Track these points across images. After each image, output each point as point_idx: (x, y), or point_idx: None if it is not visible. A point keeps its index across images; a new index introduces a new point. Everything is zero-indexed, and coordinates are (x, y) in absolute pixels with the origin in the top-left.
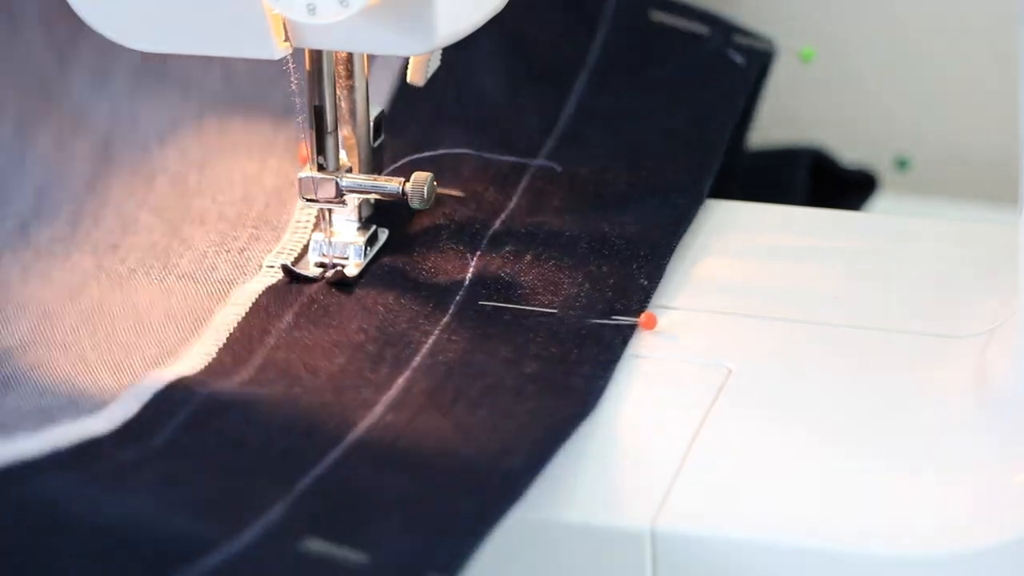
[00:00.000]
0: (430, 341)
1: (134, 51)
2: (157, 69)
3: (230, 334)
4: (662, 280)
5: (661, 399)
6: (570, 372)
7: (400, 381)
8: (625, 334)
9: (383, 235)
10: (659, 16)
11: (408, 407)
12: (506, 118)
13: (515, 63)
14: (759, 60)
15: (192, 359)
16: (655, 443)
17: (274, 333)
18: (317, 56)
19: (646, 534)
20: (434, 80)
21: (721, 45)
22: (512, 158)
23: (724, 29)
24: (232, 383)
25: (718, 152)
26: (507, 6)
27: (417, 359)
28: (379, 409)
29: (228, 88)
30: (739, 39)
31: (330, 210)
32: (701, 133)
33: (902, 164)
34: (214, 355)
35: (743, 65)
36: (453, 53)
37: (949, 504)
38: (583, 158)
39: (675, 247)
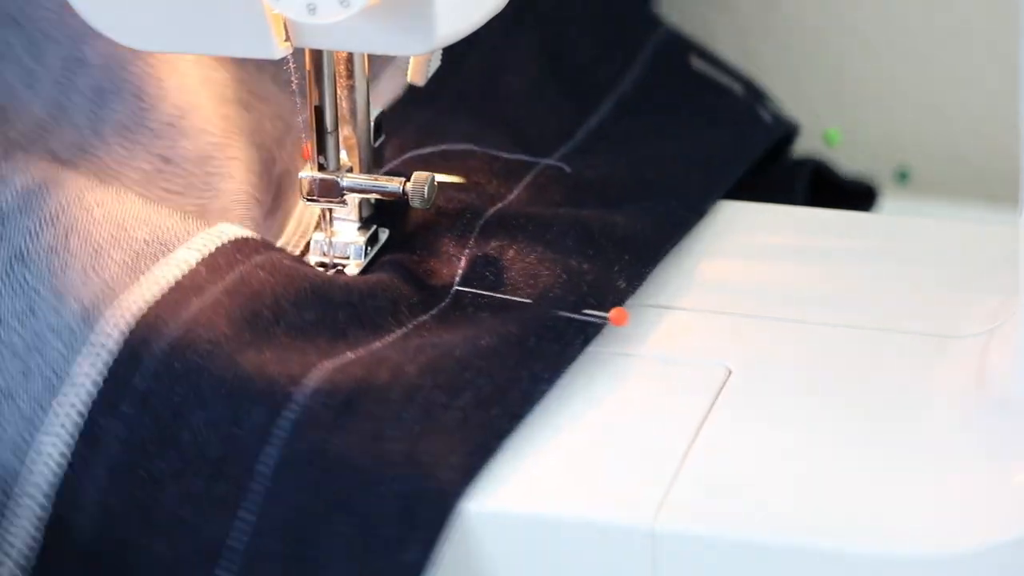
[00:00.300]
0: (399, 333)
1: None
2: None
3: (219, 245)
4: (662, 280)
5: (661, 399)
6: (519, 364)
7: (349, 355)
8: (588, 334)
9: (383, 235)
10: (698, 63)
11: (342, 387)
12: (523, 120)
13: (546, 72)
14: (784, 126)
15: (174, 265)
16: (655, 443)
17: (263, 254)
18: (317, 56)
19: (646, 534)
20: (460, 68)
21: (751, 105)
22: (519, 156)
23: (756, 93)
24: (192, 309)
25: (727, 180)
26: (553, 15)
27: (377, 344)
28: (311, 382)
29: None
30: (770, 105)
31: (330, 210)
32: (714, 163)
33: (902, 176)
34: (193, 266)
35: (770, 123)
36: (487, 47)
37: (949, 504)
38: (592, 164)
39: (660, 258)
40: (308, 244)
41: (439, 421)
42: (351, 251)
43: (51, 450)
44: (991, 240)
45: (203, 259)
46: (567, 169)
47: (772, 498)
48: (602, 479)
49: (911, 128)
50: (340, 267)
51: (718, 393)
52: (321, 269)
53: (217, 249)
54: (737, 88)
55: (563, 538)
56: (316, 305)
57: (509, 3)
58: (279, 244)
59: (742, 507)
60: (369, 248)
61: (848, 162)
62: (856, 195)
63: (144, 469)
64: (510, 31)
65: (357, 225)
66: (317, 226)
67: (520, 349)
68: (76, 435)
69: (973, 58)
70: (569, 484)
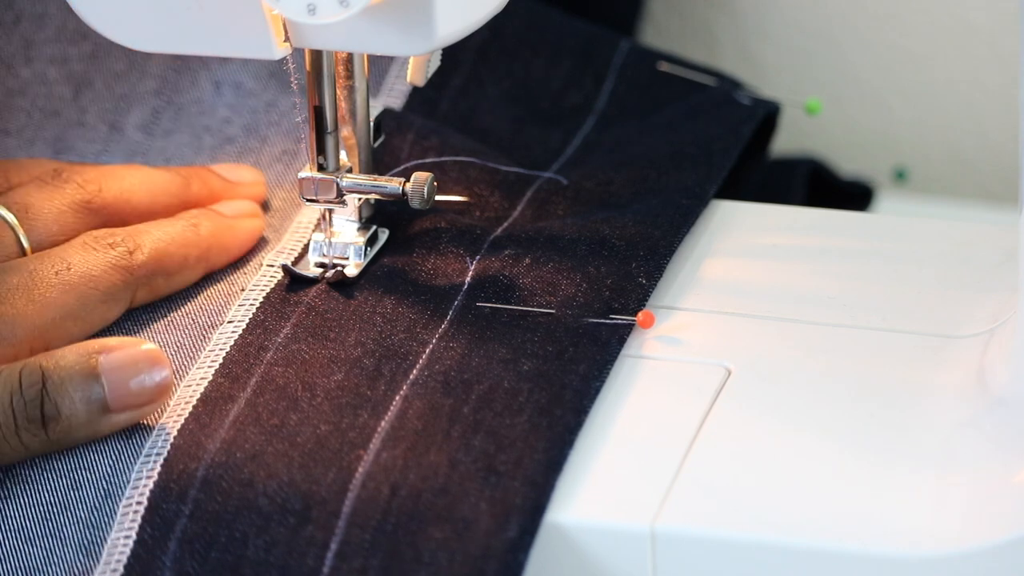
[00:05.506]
0: (427, 351)
1: (144, 104)
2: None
3: (227, 354)
4: (663, 280)
5: (661, 399)
6: (566, 370)
7: (397, 399)
8: (622, 333)
9: (383, 235)
10: (666, 66)
11: (404, 439)
12: (508, 150)
13: (521, 110)
14: (765, 106)
15: (190, 387)
16: (655, 443)
17: (271, 348)
18: (317, 56)
19: (646, 534)
20: (435, 112)
21: (727, 92)
22: (518, 169)
23: (730, 83)
24: (227, 419)
25: (723, 168)
26: (515, 55)
27: (414, 372)
28: (375, 445)
29: (244, 134)
30: (745, 90)
31: (330, 210)
32: (708, 153)
33: (900, 175)
34: (210, 379)
35: (750, 104)
36: (458, 97)
37: (948, 504)
38: (588, 173)
39: (676, 247)
40: (307, 245)
41: (508, 437)
42: (351, 252)
43: None
44: (991, 240)
45: (216, 371)
46: (564, 182)
47: (772, 498)
48: (602, 479)
49: (909, 127)
50: (340, 267)
51: (718, 393)
52: (321, 267)
53: (225, 360)
54: (710, 81)
55: (562, 539)
56: (340, 368)
57: (474, 40)
58: (277, 247)
59: (742, 507)
60: (369, 248)
61: (846, 161)
62: (853, 195)
63: None
64: (477, 72)
65: (357, 225)
66: (317, 227)
67: (560, 361)
68: None
69: (973, 58)
70: (569, 484)
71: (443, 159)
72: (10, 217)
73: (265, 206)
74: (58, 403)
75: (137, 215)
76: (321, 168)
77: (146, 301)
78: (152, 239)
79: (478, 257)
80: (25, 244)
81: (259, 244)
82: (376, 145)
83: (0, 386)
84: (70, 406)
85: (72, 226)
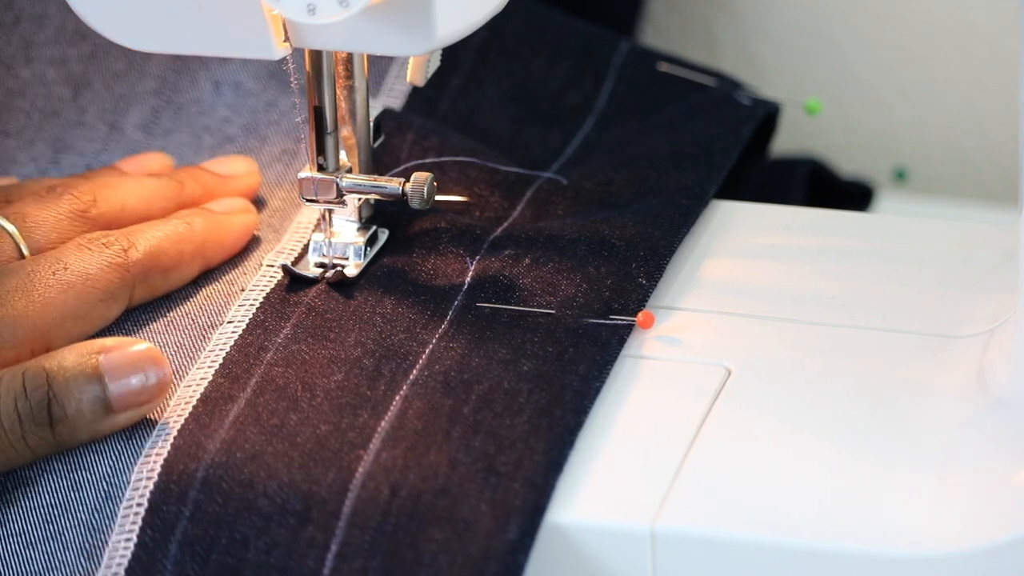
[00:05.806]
0: (427, 352)
1: (144, 104)
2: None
3: (227, 354)
4: (663, 280)
5: (661, 399)
6: (566, 371)
7: (397, 400)
8: (622, 334)
9: (383, 235)
10: (666, 67)
11: (404, 439)
12: (508, 150)
13: (521, 110)
14: (765, 106)
15: (190, 387)
16: (655, 443)
17: (271, 348)
18: (317, 56)
19: (646, 534)
20: (435, 112)
21: (727, 92)
22: (518, 169)
23: (730, 83)
24: (227, 419)
25: (723, 168)
26: (515, 55)
27: (414, 372)
28: (375, 445)
29: (243, 133)
30: (745, 90)
31: (330, 210)
32: (708, 153)
33: (900, 175)
34: (210, 379)
35: (750, 105)
36: (458, 97)
37: (948, 504)
38: (588, 173)
39: (676, 247)
40: (307, 245)
41: (508, 438)
42: (351, 252)
43: None
44: (991, 240)
45: (216, 371)
46: (564, 182)
47: (772, 498)
48: (602, 479)
49: (909, 127)
50: (339, 267)
51: (718, 393)
52: (321, 267)
53: (225, 360)
54: (710, 81)
55: (562, 539)
56: (340, 368)
57: (473, 40)
58: (277, 248)
59: (742, 507)
60: (368, 249)
61: (846, 161)
62: (853, 195)
63: None
64: (477, 72)
65: (357, 226)
66: (317, 227)
67: (560, 362)
68: None
69: (973, 58)
70: (569, 484)
71: (443, 159)
72: (10, 227)
73: (265, 206)
74: (64, 404)
75: (133, 222)
76: (321, 168)
77: (145, 299)
78: (146, 237)
79: (478, 257)
80: (25, 253)
81: (257, 243)
82: (376, 145)
83: (3, 391)
84: (76, 407)
85: (70, 234)
